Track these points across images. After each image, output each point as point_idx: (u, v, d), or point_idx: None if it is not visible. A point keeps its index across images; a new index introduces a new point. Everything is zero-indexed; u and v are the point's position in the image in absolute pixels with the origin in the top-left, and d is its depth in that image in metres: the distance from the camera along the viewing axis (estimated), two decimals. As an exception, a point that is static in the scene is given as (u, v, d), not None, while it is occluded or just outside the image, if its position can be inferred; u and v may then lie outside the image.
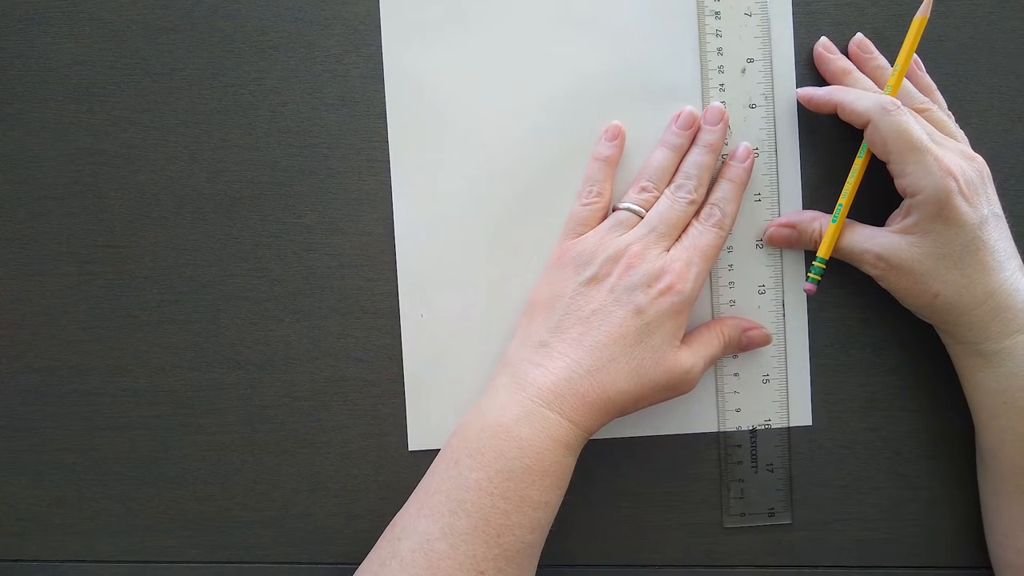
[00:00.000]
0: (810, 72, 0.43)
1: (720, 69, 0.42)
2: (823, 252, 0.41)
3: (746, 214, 0.43)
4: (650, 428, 0.44)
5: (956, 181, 0.38)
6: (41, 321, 0.45)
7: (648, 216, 0.40)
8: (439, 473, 0.38)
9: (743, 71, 0.42)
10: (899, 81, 0.40)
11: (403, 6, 0.43)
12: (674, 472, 0.44)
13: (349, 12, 0.43)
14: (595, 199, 0.41)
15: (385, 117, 0.43)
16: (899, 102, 0.39)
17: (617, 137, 0.42)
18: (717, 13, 0.42)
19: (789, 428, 0.44)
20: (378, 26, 0.43)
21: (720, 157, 0.42)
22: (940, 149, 0.38)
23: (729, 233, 0.41)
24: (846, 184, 0.41)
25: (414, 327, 0.44)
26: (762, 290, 0.43)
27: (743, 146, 0.42)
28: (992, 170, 0.39)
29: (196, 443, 0.45)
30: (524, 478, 0.36)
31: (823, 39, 0.42)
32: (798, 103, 0.42)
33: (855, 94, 0.40)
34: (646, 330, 0.38)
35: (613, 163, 0.42)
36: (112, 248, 0.44)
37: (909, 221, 0.39)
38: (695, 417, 0.44)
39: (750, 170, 0.42)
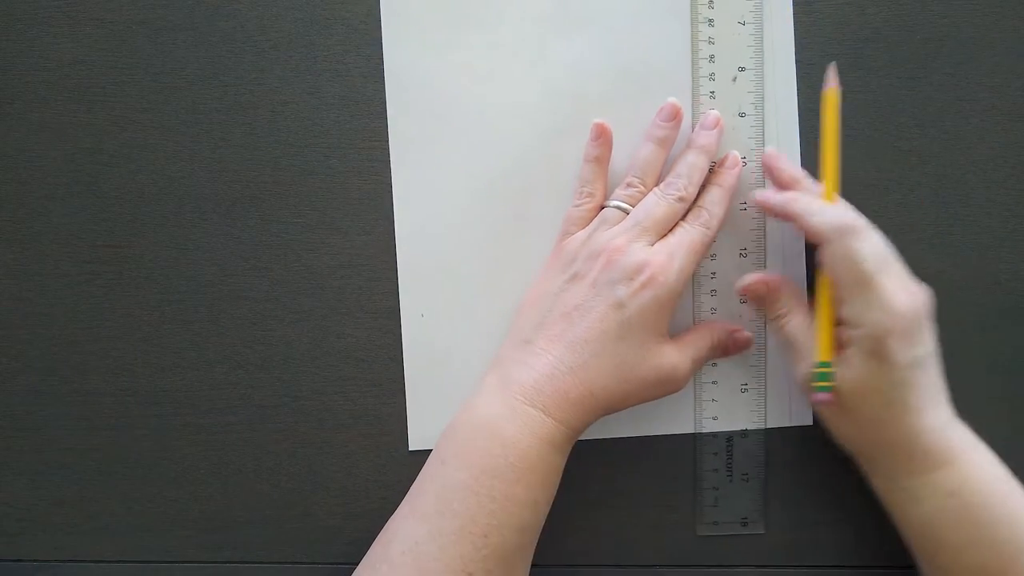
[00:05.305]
0: (808, 80, 0.42)
1: (711, 76, 0.42)
2: (825, 355, 0.38)
3: (731, 223, 0.42)
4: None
5: (896, 322, 0.36)
6: (41, 321, 0.45)
7: (634, 211, 0.40)
8: (428, 474, 0.38)
9: (734, 79, 0.42)
10: (832, 181, 0.39)
11: (403, 6, 0.43)
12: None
13: (349, 12, 0.43)
14: (586, 199, 0.41)
15: (385, 117, 0.43)
16: (862, 222, 0.37)
17: (601, 136, 0.42)
18: (711, 20, 0.42)
19: (766, 437, 0.43)
20: (378, 26, 0.43)
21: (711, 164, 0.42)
22: (888, 280, 0.36)
23: (715, 235, 0.40)
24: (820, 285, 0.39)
25: (414, 327, 0.44)
26: (744, 299, 0.43)
27: (732, 154, 0.41)
28: (992, 170, 0.39)
29: (196, 443, 0.45)
30: (509, 476, 0.36)
31: (770, 150, 0.41)
32: (798, 108, 0.42)
33: (813, 206, 0.38)
34: (627, 324, 0.37)
35: (603, 162, 0.42)
36: (112, 248, 0.44)
37: (844, 352, 0.38)
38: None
39: (738, 176, 0.41)
